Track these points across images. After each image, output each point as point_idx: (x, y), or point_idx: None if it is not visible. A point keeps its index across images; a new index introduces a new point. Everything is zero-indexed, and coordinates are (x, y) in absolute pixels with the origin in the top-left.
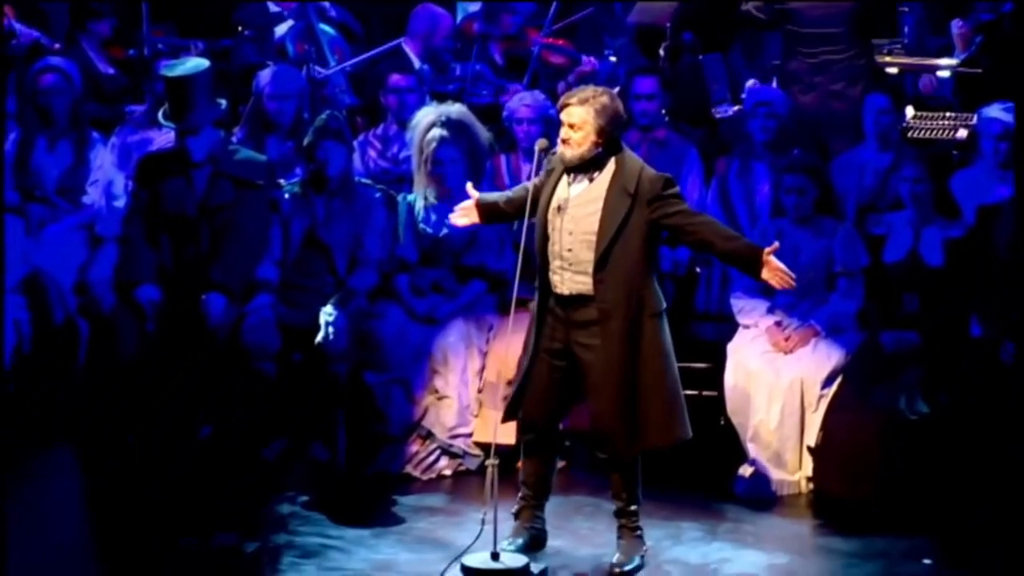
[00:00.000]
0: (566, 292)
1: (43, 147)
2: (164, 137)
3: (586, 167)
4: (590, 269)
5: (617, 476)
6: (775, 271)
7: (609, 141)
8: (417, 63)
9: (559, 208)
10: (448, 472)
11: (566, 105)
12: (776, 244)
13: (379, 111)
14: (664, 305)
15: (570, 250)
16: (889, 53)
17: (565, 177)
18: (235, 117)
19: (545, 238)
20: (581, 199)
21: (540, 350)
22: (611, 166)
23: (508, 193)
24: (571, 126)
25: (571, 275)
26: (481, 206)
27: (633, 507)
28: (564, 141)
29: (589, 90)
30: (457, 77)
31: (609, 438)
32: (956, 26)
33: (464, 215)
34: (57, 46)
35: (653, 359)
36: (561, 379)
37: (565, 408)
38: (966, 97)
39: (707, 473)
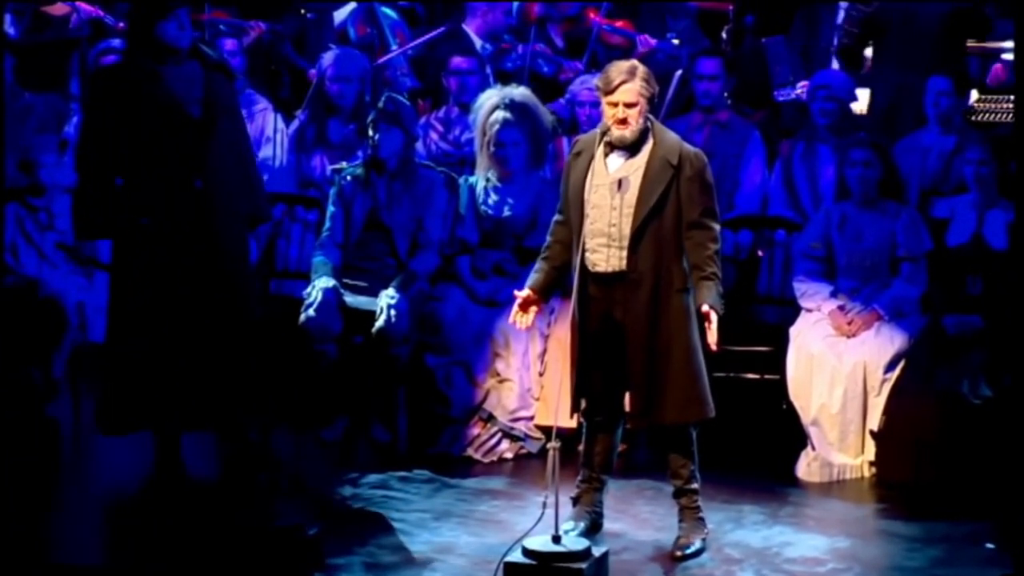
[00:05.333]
0: (609, 269)
1: None
2: None
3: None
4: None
5: (674, 455)
6: (710, 332)
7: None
8: (479, 43)
9: (602, 185)
10: (509, 455)
11: (622, 83)
12: (710, 312)
13: (441, 94)
14: (691, 284)
15: (614, 225)
16: None
17: (601, 155)
18: (298, 100)
19: (581, 218)
20: (625, 172)
21: (587, 334)
22: (649, 137)
23: (547, 244)
24: (628, 104)
25: (615, 251)
26: (535, 294)
27: (692, 486)
28: (622, 122)
29: (626, 63)
30: (518, 56)
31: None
32: None
33: (526, 316)
34: (121, 26)
35: (677, 334)
36: (612, 358)
37: (624, 386)
38: None
39: (769, 457)
